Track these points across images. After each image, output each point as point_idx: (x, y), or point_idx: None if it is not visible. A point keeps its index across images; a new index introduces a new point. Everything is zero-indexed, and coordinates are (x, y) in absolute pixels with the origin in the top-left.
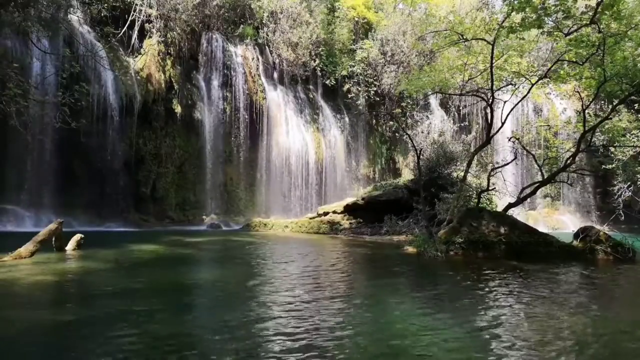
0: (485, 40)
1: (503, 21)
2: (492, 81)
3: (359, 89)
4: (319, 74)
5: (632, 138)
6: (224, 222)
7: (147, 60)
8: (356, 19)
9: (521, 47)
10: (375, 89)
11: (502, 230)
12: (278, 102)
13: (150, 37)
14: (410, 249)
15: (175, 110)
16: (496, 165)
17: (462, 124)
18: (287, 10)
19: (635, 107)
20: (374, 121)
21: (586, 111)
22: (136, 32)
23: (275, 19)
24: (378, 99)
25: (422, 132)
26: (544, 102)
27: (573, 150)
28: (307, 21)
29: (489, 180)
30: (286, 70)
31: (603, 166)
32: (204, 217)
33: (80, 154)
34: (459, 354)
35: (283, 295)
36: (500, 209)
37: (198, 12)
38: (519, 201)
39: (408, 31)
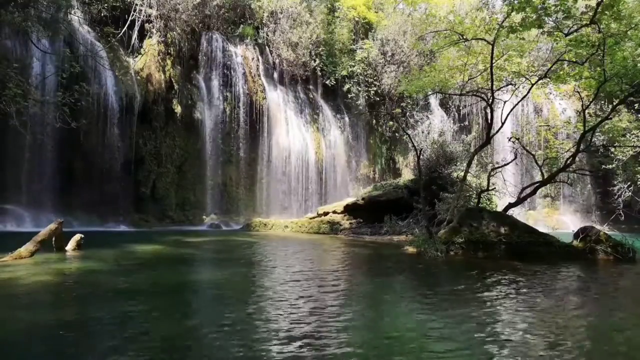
0: (485, 40)
1: (503, 21)
2: (492, 81)
3: (359, 89)
4: (319, 74)
5: (632, 138)
6: (224, 222)
7: (147, 60)
8: (356, 19)
9: (521, 47)
10: (375, 89)
11: (502, 230)
12: (278, 102)
13: (150, 37)
14: (410, 249)
15: (175, 110)
16: (496, 165)
17: (462, 124)
18: (287, 10)
19: (635, 107)
20: (374, 121)
21: (586, 111)
22: (136, 32)
23: (275, 19)
24: (378, 99)
25: (422, 132)
26: (544, 102)
27: (573, 150)
28: (307, 21)
29: (489, 180)
30: (286, 70)
31: (603, 166)
32: (204, 217)
33: (80, 154)
34: (458, 352)
35: (283, 295)
36: (500, 209)
37: (198, 12)
38: (519, 201)
39: (408, 31)
